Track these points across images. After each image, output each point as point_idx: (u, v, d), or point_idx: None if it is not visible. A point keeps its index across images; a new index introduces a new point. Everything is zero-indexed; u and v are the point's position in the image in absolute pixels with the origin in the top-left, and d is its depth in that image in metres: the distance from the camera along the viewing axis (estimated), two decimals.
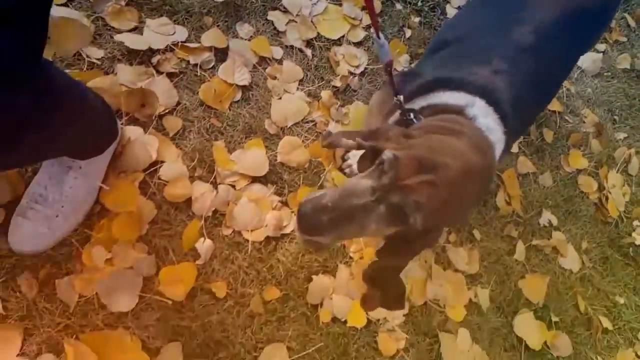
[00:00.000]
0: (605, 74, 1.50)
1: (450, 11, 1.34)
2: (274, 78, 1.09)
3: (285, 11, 1.16)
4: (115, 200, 0.87)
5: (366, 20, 1.23)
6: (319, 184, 1.04)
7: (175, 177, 0.93)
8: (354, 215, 0.49)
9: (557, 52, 0.77)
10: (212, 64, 1.04)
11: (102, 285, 0.82)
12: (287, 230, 0.97)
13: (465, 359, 1.00)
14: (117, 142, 0.89)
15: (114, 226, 0.85)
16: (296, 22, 1.16)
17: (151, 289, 0.85)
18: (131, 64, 0.98)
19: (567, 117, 1.38)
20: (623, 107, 1.48)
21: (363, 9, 1.23)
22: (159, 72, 1.00)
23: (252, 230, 0.94)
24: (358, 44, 1.21)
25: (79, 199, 0.83)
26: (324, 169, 1.06)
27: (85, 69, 0.94)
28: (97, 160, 0.85)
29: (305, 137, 1.07)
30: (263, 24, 1.13)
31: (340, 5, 1.22)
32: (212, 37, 1.06)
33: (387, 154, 0.50)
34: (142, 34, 1.00)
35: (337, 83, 1.14)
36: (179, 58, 1.02)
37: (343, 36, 1.19)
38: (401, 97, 0.67)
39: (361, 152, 0.63)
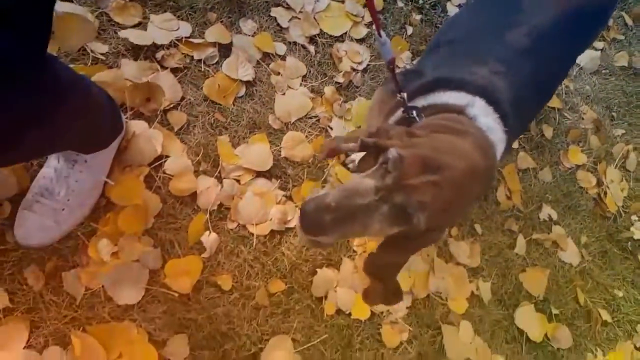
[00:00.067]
0: (603, 71, 1.52)
1: (451, 9, 1.35)
2: (278, 74, 1.10)
3: (288, 8, 1.17)
4: (121, 194, 0.87)
5: (368, 17, 1.24)
6: (322, 179, 1.05)
7: (180, 171, 0.94)
8: (357, 215, 0.48)
9: (556, 52, 0.77)
10: (216, 59, 1.05)
11: (108, 278, 0.83)
12: (292, 224, 0.98)
13: (468, 350, 1.02)
14: (122, 136, 0.89)
15: (119, 219, 0.85)
16: (299, 18, 1.17)
17: (157, 281, 0.85)
18: (135, 59, 0.98)
19: (566, 114, 1.40)
20: (621, 104, 1.50)
21: (365, 6, 1.24)
22: (163, 68, 1.00)
23: (256, 224, 0.95)
24: (360, 41, 1.22)
25: (85, 192, 0.84)
26: (328, 164, 1.07)
27: (89, 64, 0.94)
28: (103, 154, 0.85)
29: (309, 132, 1.08)
30: (266, 20, 1.14)
31: (343, 2, 1.23)
32: (215, 33, 1.06)
33: (392, 153, 0.49)
34: (146, 29, 1.01)
35: (340, 79, 1.15)
36: (183, 53, 1.02)
37: (345, 33, 1.21)
38: (404, 95, 0.67)
39: (362, 153, 0.63)
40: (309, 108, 1.10)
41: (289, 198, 1.01)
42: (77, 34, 0.94)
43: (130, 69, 0.96)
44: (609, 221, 1.32)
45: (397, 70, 0.69)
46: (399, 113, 0.70)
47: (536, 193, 1.25)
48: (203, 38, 1.05)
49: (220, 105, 1.03)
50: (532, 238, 1.20)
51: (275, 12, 1.15)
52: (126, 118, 0.92)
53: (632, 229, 1.32)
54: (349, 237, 0.54)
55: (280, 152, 1.03)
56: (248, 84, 1.06)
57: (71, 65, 0.92)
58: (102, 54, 0.96)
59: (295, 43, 1.15)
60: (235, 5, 1.11)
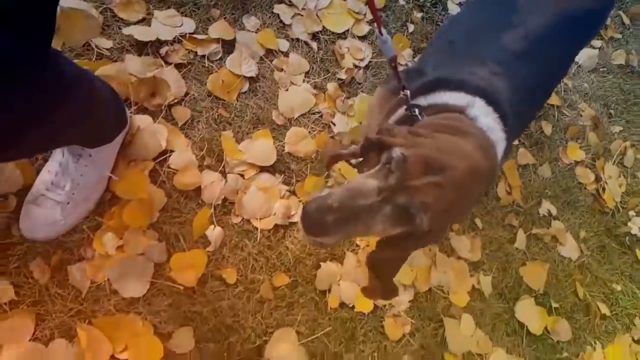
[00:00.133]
0: (601, 69, 1.54)
1: (452, 7, 1.37)
2: (281, 70, 1.11)
3: (291, 5, 1.18)
4: (126, 188, 0.88)
5: (370, 14, 1.25)
6: (325, 174, 1.06)
7: (185, 165, 0.94)
8: (360, 215, 0.48)
9: (555, 52, 0.78)
10: (220, 55, 1.06)
11: (113, 271, 0.83)
12: (295, 219, 0.99)
13: (469, 343, 1.03)
14: (127, 130, 0.90)
15: (124, 213, 0.86)
16: (302, 15, 1.18)
17: (162, 275, 0.86)
18: (140, 55, 0.99)
19: (565, 111, 1.41)
20: (618, 101, 1.52)
21: (366, 4, 1.25)
22: (167, 63, 1.01)
23: (260, 219, 0.96)
24: (362, 38, 1.23)
25: (90, 186, 0.84)
26: None
27: (94, 59, 0.95)
28: (107, 148, 0.85)
29: (312, 128, 1.09)
30: (269, 17, 1.15)
31: None
32: (219, 29, 1.07)
33: (396, 152, 0.49)
34: (150, 25, 1.01)
35: (342, 75, 1.16)
36: (186, 49, 1.03)
37: (348, 30, 1.22)
38: (407, 92, 0.67)
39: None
40: (311, 104, 1.11)
41: (293, 193, 1.02)
42: (81, 29, 0.95)
43: (134, 64, 0.97)
44: (607, 216, 1.34)
45: (400, 68, 0.69)
46: (400, 111, 0.70)
47: (536, 189, 1.27)
48: (207, 34, 1.06)
49: (224, 100, 1.03)
50: (532, 233, 1.21)
51: (278, 8, 1.16)
52: (131, 112, 0.93)
53: (629, 224, 1.34)
54: (352, 237, 0.54)
55: (283, 147, 1.04)
56: (251, 79, 1.07)
57: (75, 61, 0.92)
58: (106, 49, 0.96)
59: (298, 40, 1.15)
60: (239, 2, 1.12)
